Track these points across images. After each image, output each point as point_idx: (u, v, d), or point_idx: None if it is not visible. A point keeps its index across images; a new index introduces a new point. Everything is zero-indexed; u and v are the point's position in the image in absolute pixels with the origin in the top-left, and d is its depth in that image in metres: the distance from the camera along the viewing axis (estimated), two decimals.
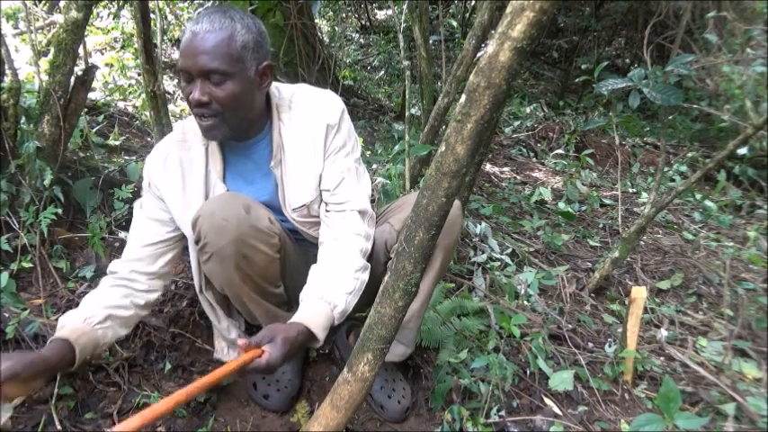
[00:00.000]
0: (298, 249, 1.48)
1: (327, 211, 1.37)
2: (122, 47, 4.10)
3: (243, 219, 1.22)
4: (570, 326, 2.04)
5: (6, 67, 1.85)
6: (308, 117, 1.35)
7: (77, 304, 1.66)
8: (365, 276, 1.32)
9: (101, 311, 1.27)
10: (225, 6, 1.24)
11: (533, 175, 4.04)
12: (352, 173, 1.37)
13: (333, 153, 1.35)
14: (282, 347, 1.07)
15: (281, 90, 1.38)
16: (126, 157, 2.53)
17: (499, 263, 2.43)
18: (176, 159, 1.35)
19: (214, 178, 1.36)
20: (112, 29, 4.20)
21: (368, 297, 1.53)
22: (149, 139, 2.90)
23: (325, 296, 1.22)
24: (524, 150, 4.53)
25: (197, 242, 1.26)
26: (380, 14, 7.99)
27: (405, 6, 2.57)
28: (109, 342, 1.29)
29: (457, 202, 1.31)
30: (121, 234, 1.97)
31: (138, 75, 3.63)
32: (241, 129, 1.29)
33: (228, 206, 1.22)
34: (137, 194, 2.12)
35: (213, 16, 1.18)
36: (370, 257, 1.43)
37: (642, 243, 2.92)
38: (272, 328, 1.11)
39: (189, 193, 1.34)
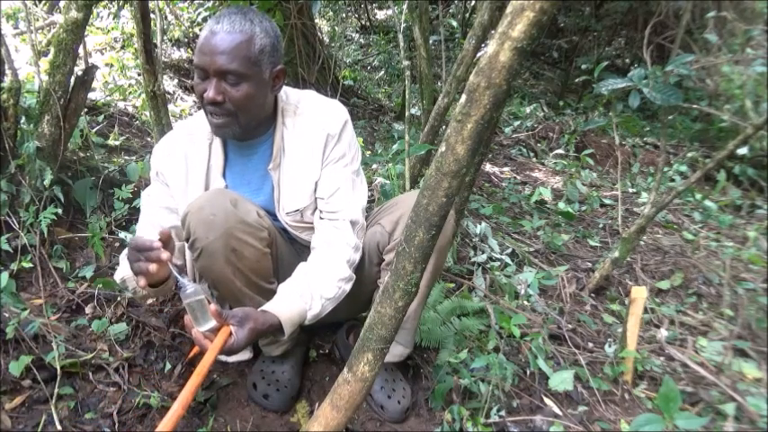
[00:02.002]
0: (291, 248, 1.49)
1: (321, 218, 1.39)
2: (122, 47, 4.11)
3: (231, 213, 1.23)
4: (570, 326, 2.04)
5: (6, 67, 1.85)
6: (311, 124, 1.36)
7: (77, 304, 1.68)
8: (347, 287, 1.35)
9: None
10: (245, 8, 1.25)
11: (533, 175, 4.04)
12: (348, 183, 1.39)
13: (331, 162, 1.37)
14: (249, 336, 1.12)
15: (289, 95, 1.40)
16: (126, 157, 2.53)
17: (499, 263, 2.43)
18: (182, 152, 1.37)
19: (215, 174, 1.38)
20: (112, 29, 4.21)
21: (363, 299, 1.53)
22: (149, 139, 2.90)
23: (304, 295, 1.24)
24: (524, 150, 4.53)
25: (187, 239, 1.27)
26: (380, 14, 7.99)
27: (405, 6, 2.57)
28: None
29: None
30: (121, 234, 1.97)
31: (138, 75, 3.63)
32: (249, 128, 1.31)
33: (216, 201, 1.24)
34: (137, 194, 2.12)
35: (234, 17, 1.19)
36: (363, 260, 1.44)
37: (642, 243, 2.91)
38: (246, 313, 1.15)
39: (191, 186, 1.37)
